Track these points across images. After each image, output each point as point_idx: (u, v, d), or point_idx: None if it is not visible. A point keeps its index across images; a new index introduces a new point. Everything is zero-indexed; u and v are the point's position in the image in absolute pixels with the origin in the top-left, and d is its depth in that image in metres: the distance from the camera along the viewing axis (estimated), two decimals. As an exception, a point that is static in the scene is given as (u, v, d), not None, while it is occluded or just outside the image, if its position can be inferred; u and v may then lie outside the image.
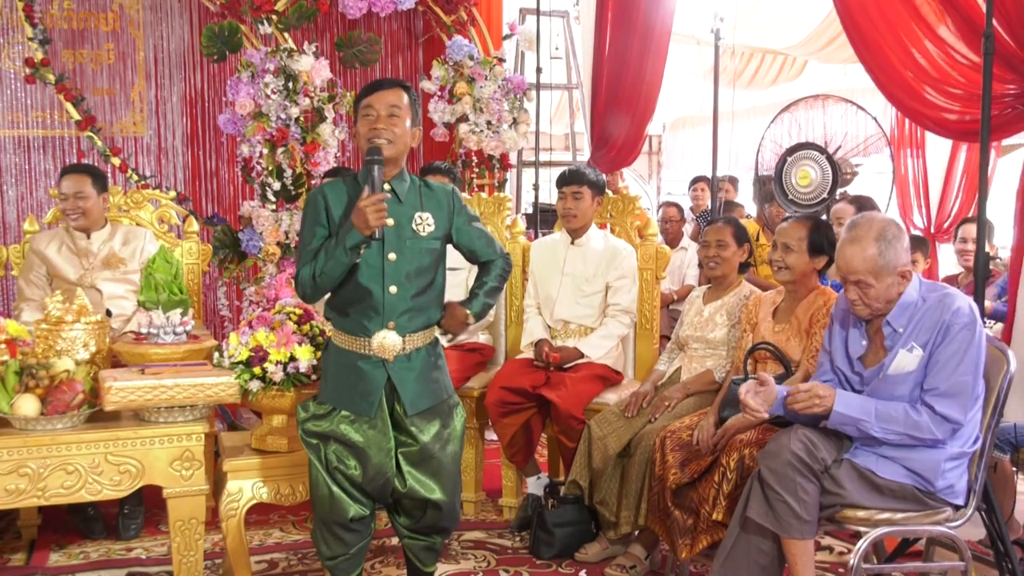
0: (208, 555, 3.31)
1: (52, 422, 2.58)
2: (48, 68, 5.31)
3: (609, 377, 3.82)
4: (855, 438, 2.64)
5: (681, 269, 6.10)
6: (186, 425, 2.70)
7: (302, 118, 4.90)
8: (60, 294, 2.97)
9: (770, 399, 2.62)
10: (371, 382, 2.69)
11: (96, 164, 5.12)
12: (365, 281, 2.67)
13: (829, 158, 4.28)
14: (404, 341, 2.69)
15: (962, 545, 2.64)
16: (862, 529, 2.62)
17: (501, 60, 5.64)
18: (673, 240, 6.37)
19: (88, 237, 3.95)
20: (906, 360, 2.59)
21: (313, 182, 4.98)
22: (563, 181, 3.89)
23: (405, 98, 2.69)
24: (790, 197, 4.42)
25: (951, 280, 4.80)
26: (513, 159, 6.20)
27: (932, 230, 7.19)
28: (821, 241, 3.19)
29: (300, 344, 2.88)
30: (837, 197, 4.33)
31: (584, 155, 6.99)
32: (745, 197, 8.01)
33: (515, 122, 5.61)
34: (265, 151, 4.88)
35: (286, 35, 5.04)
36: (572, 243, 3.95)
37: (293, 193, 4.96)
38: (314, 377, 2.90)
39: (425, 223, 2.71)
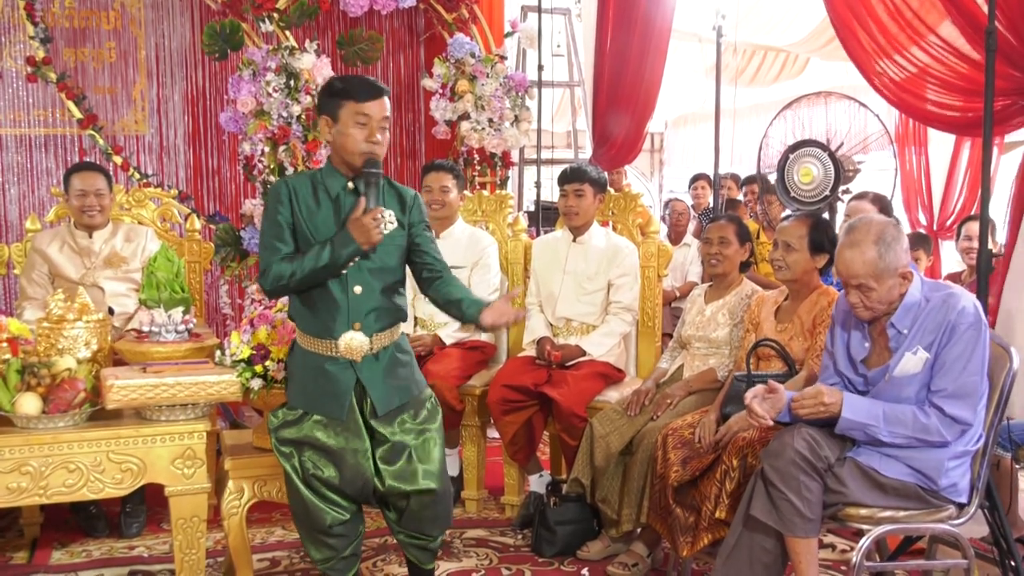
0: (210, 553, 3.31)
1: (54, 420, 2.58)
2: (50, 67, 5.31)
3: (611, 375, 3.82)
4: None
5: (683, 266, 6.10)
6: (188, 423, 2.70)
7: (304, 116, 4.90)
8: (62, 292, 2.97)
9: (778, 407, 2.61)
10: (340, 384, 2.65)
11: (98, 162, 5.12)
12: (329, 285, 2.63)
13: (831, 155, 4.27)
14: (371, 341, 2.65)
15: (965, 543, 2.64)
16: (865, 527, 2.61)
17: (503, 58, 5.63)
18: (679, 236, 6.37)
19: (90, 236, 3.95)
20: (911, 362, 2.58)
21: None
22: (565, 179, 3.88)
23: (389, 105, 2.68)
24: (792, 194, 4.41)
25: (954, 278, 4.78)
26: (515, 157, 6.20)
27: (935, 227, 7.18)
28: (822, 239, 3.18)
29: (301, 342, 2.87)
30: (841, 194, 4.32)
31: (586, 153, 6.98)
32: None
33: (517, 120, 5.60)
34: (267, 149, 4.88)
35: (287, 33, 5.04)
36: (574, 241, 3.94)
37: (295, 191, 4.94)
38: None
39: (387, 220, 2.64)
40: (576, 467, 3.51)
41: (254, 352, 2.85)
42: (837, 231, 3.44)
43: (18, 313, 3.80)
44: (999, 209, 4.39)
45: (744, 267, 3.63)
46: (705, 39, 7.30)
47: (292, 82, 4.84)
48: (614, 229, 4.11)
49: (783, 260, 3.20)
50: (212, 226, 5.21)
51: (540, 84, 5.87)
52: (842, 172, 4.27)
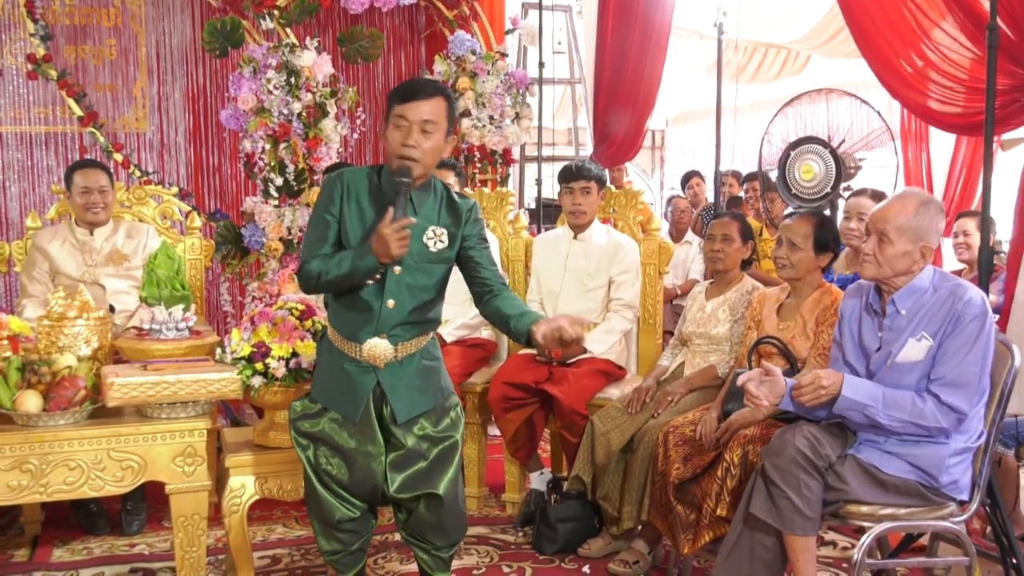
0: (211, 551, 3.31)
1: (54, 418, 2.58)
2: (50, 64, 5.31)
3: (612, 372, 3.82)
4: (859, 429, 2.63)
5: (685, 264, 6.09)
6: (188, 421, 2.70)
7: (304, 113, 4.90)
8: (63, 290, 2.97)
9: (776, 391, 2.59)
10: (358, 387, 2.60)
11: (99, 160, 5.11)
12: (364, 293, 2.57)
13: (833, 152, 4.26)
14: (396, 349, 2.59)
15: (966, 540, 2.64)
16: (866, 524, 2.61)
17: (503, 55, 5.63)
18: (681, 233, 6.36)
19: (91, 233, 3.95)
20: (914, 349, 2.58)
21: (316, 178, 4.97)
22: (570, 176, 3.87)
23: (444, 109, 2.52)
24: (793, 191, 4.40)
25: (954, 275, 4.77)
26: (516, 154, 6.19)
27: (936, 224, 7.15)
28: (827, 238, 3.17)
29: (302, 340, 2.87)
30: (842, 191, 4.31)
31: (586, 150, 6.98)
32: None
33: (517, 117, 5.60)
34: (267, 147, 4.88)
35: (288, 30, 5.04)
36: (575, 238, 3.94)
37: (295, 189, 4.96)
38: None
39: (438, 238, 2.58)
40: (577, 465, 3.51)
41: (255, 350, 2.85)
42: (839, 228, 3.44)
43: (19, 311, 3.80)
44: (995, 206, 4.38)
45: (746, 264, 3.62)
46: (706, 36, 7.28)
47: (293, 79, 4.84)
48: (615, 226, 4.10)
49: (787, 258, 3.19)
50: (213, 224, 5.21)
51: (541, 81, 5.87)
52: (843, 169, 4.26)
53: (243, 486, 2.93)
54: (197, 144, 5.83)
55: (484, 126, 5.46)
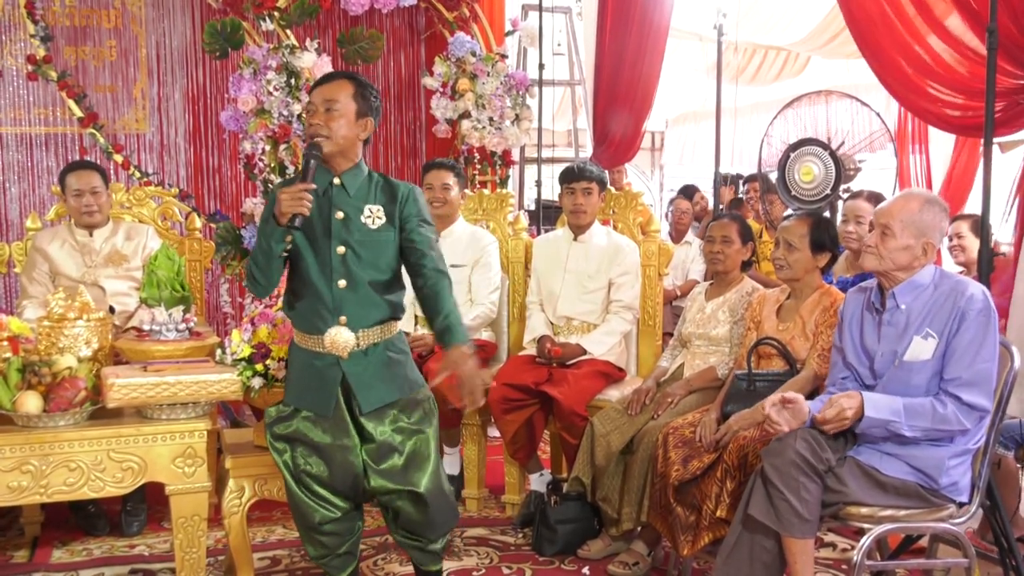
0: (211, 552, 3.31)
1: (54, 419, 2.58)
2: (50, 65, 5.31)
3: (612, 374, 3.82)
4: (878, 441, 2.62)
5: (684, 265, 6.09)
6: (188, 422, 2.70)
7: (304, 115, 4.89)
8: (63, 291, 2.97)
9: (799, 417, 2.59)
10: (326, 380, 2.64)
11: (98, 161, 5.12)
12: (314, 276, 2.63)
13: (832, 154, 4.27)
14: (358, 337, 2.63)
15: (966, 542, 2.64)
16: (865, 526, 2.61)
17: (503, 56, 5.63)
18: (681, 235, 6.36)
19: (90, 234, 3.95)
20: (921, 347, 2.58)
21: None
22: (571, 177, 3.88)
23: (348, 91, 2.64)
24: (793, 193, 4.40)
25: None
26: (515, 155, 6.19)
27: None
28: (823, 238, 3.18)
29: (302, 341, 2.87)
30: (842, 193, 4.32)
31: (586, 152, 6.98)
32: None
33: (517, 118, 5.60)
34: (267, 148, 4.88)
35: (288, 32, 5.04)
36: (575, 239, 3.94)
37: (295, 190, 4.95)
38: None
39: (375, 215, 2.66)
40: (577, 466, 3.51)
41: (255, 351, 2.85)
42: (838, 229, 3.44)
43: (19, 312, 3.80)
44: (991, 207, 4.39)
45: (746, 266, 3.63)
46: (706, 38, 7.28)
47: (293, 81, 4.84)
48: (615, 228, 4.11)
49: (785, 259, 3.20)
50: (213, 225, 5.21)
51: (541, 83, 5.87)
52: (843, 171, 4.26)
53: (243, 487, 2.94)
54: (197, 145, 5.83)
55: (484, 127, 5.46)
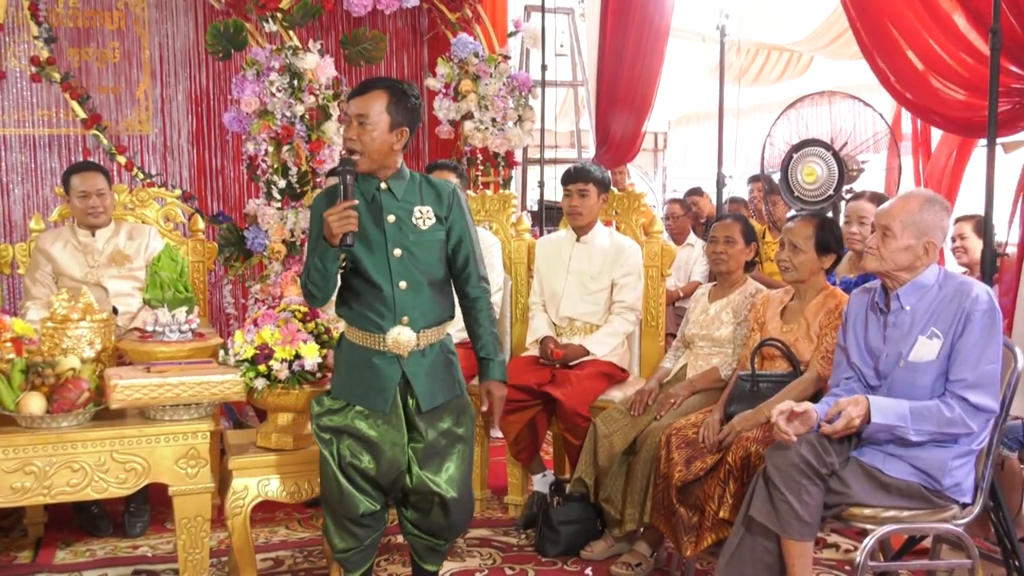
0: (214, 553, 3.32)
1: (58, 420, 2.59)
2: (53, 67, 5.32)
3: (614, 375, 3.82)
4: (884, 444, 2.62)
5: (687, 266, 6.08)
6: (191, 423, 2.70)
7: (307, 116, 4.90)
8: (66, 292, 2.97)
9: (808, 424, 2.58)
10: (386, 378, 2.70)
11: (102, 162, 5.12)
12: (375, 278, 2.69)
13: (835, 155, 4.26)
14: (419, 337, 2.71)
15: (969, 543, 2.63)
16: (868, 527, 2.61)
17: (506, 57, 5.63)
18: (678, 237, 6.34)
19: (93, 235, 3.95)
20: (926, 348, 2.58)
21: (318, 180, 4.98)
22: (568, 179, 3.88)
23: (381, 102, 2.65)
24: (796, 194, 4.40)
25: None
26: (518, 157, 6.19)
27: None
28: (828, 239, 3.17)
29: (305, 342, 2.88)
30: (844, 194, 4.31)
31: (589, 152, 6.97)
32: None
33: (520, 119, 5.60)
34: (270, 149, 4.88)
35: (291, 33, 5.04)
36: (577, 240, 3.94)
37: (298, 191, 4.96)
38: (319, 375, 2.90)
39: (425, 216, 2.73)
40: (579, 467, 3.51)
41: (257, 352, 2.85)
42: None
43: (22, 313, 3.80)
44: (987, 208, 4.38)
45: (749, 267, 3.62)
46: (708, 38, 7.28)
47: (296, 82, 4.84)
48: (618, 229, 4.10)
49: (790, 261, 3.19)
50: (216, 226, 5.21)
51: (544, 84, 5.87)
52: (846, 172, 4.26)
53: (246, 488, 2.94)
54: (200, 146, 5.83)
55: (486, 128, 5.46)
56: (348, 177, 2.65)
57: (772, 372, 3.16)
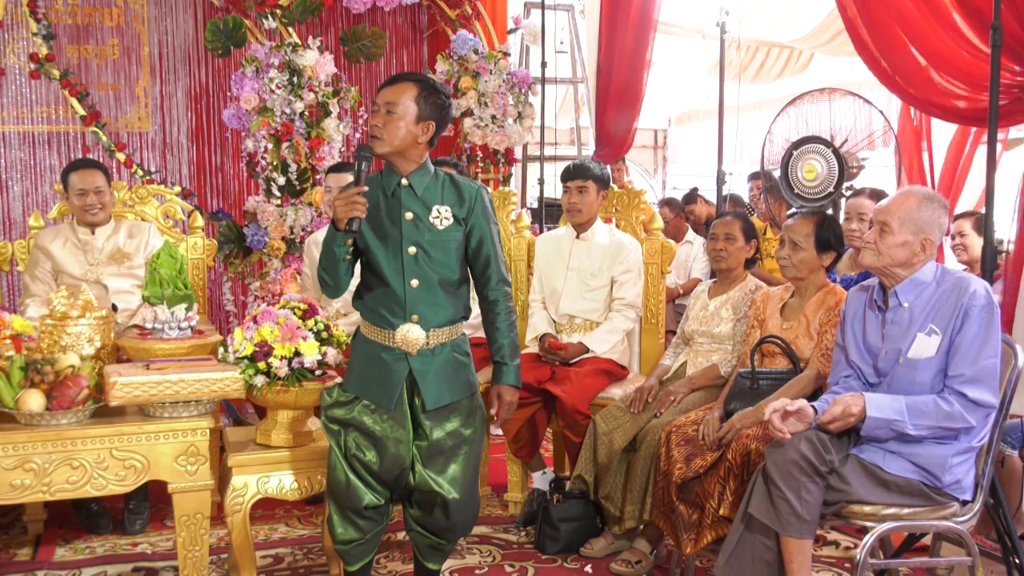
0: (213, 550, 3.32)
1: (57, 417, 2.58)
2: (53, 63, 5.32)
3: (614, 372, 3.82)
4: (883, 440, 2.62)
5: (687, 263, 6.09)
6: (191, 420, 2.70)
7: (307, 113, 4.90)
8: (65, 289, 2.97)
9: (805, 421, 2.58)
10: (393, 374, 2.70)
11: (101, 159, 5.12)
12: (387, 274, 2.68)
13: (835, 152, 4.26)
14: (428, 336, 2.69)
15: (969, 540, 2.63)
16: (868, 524, 2.61)
17: (506, 54, 5.63)
18: (674, 238, 6.34)
19: (93, 232, 3.94)
20: (925, 344, 2.57)
21: (318, 177, 4.97)
22: (568, 175, 3.88)
23: (410, 93, 2.64)
24: (796, 191, 4.40)
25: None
26: (518, 153, 6.19)
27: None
28: (828, 237, 3.17)
29: (305, 339, 2.87)
30: (844, 191, 4.31)
31: (589, 149, 6.97)
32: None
33: (520, 116, 5.60)
34: (270, 146, 4.88)
35: (290, 30, 5.04)
36: (577, 238, 3.94)
37: (298, 188, 4.96)
38: (318, 372, 2.90)
39: (443, 216, 2.70)
40: (579, 464, 3.51)
41: (257, 349, 2.85)
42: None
43: (22, 310, 3.80)
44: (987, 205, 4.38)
45: (749, 264, 3.62)
46: (709, 35, 7.28)
47: (295, 79, 4.84)
48: (617, 226, 4.10)
49: (790, 258, 3.19)
50: (215, 223, 5.21)
51: (543, 81, 5.87)
52: (846, 168, 4.26)
53: (245, 485, 2.93)
54: (199, 143, 5.83)
55: (486, 125, 5.46)
56: (363, 163, 2.63)
57: (772, 369, 3.15)
